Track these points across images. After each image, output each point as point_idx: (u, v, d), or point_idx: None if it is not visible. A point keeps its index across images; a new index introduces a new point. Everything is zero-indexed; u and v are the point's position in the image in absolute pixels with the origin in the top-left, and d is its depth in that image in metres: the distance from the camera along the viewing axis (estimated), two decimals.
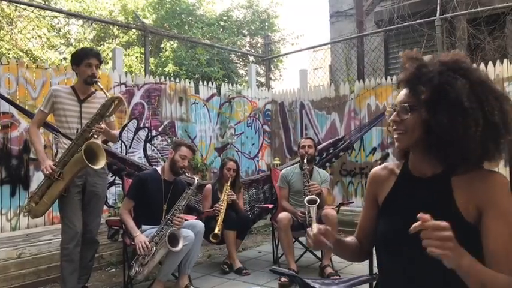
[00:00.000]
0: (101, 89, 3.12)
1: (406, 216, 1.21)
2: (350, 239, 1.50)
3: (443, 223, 1.01)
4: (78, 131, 3.03)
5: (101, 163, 3.00)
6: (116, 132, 3.41)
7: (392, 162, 1.47)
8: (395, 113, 1.28)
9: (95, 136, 3.04)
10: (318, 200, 3.71)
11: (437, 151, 1.23)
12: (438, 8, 5.73)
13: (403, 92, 1.29)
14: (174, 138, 5.49)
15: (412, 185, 1.32)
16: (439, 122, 1.17)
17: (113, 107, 3.03)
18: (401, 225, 1.22)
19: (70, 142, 3.01)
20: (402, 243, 1.24)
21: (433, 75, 1.20)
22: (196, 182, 3.49)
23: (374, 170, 1.50)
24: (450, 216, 1.15)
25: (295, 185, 4.20)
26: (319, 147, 5.65)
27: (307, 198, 3.81)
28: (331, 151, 5.23)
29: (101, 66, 3.38)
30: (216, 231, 3.79)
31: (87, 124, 3.00)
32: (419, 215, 1.02)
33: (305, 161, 4.05)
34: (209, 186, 4.35)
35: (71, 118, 3.14)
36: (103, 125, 3.08)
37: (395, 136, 1.29)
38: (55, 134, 3.62)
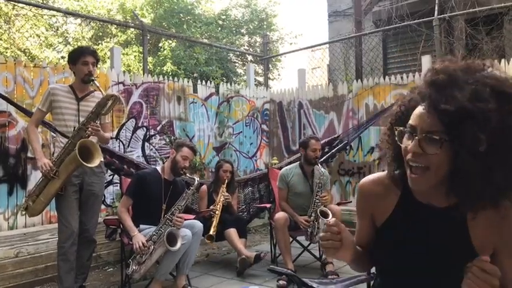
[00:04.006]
0: (98, 88, 3.11)
1: (419, 247, 1.18)
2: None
3: (498, 271, 1.01)
4: (75, 130, 3.03)
5: (96, 161, 2.99)
6: (109, 134, 3.38)
7: (381, 174, 1.30)
8: (415, 142, 1.03)
9: (92, 135, 3.03)
10: (331, 215, 3.69)
11: (460, 194, 1.07)
12: (436, 8, 5.73)
13: (432, 117, 1.01)
14: (175, 138, 5.48)
15: (420, 212, 1.19)
16: (487, 176, 1.00)
17: (108, 105, 3.02)
18: (414, 255, 1.18)
19: (67, 140, 3.01)
20: (415, 271, 1.19)
21: (491, 116, 0.97)
22: (196, 182, 3.49)
23: (365, 184, 1.31)
24: (464, 253, 1.11)
25: (295, 186, 4.10)
26: None
27: (320, 209, 3.78)
28: (326, 150, 5.22)
29: (98, 65, 3.37)
30: (210, 232, 3.81)
31: (82, 123, 3.00)
32: (483, 258, 1.01)
33: (321, 169, 4.01)
34: (205, 187, 4.36)
35: (69, 116, 3.14)
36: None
37: (413, 176, 1.06)
38: (53, 133, 3.61)
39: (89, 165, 2.94)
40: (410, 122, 1.06)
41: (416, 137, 1.03)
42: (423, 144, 1.02)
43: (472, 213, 1.10)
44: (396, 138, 1.11)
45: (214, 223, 3.88)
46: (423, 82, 1.09)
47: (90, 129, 2.97)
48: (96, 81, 3.14)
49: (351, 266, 1.38)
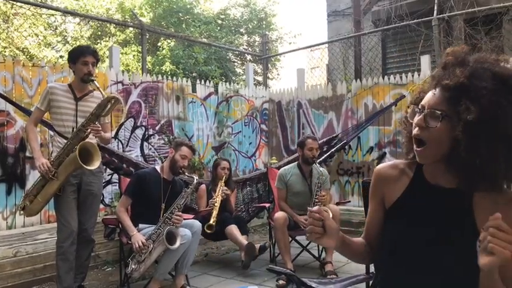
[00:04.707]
0: (97, 88, 3.10)
1: (423, 228, 1.19)
2: (357, 239, 1.39)
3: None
4: (74, 130, 3.01)
5: (96, 163, 2.98)
6: (109, 134, 3.37)
7: (398, 160, 1.36)
8: (421, 116, 1.14)
9: (91, 136, 3.02)
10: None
11: (458, 169, 1.12)
12: (435, 8, 5.74)
13: (438, 94, 1.13)
14: (175, 137, 5.48)
15: (429, 193, 1.22)
16: (474, 147, 1.06)
17: (109, 106, 3.00)
18: (420, 236, 1.19)
19: (65, 141, 3.00)
20: (419, 253, 1.18)
21: (485, 93, 1.06)
22: (195, 181, 3.49)
23: (381, 167, 1.36)
24: (468, 236, 1.11)
25: (293, 185, 4.11)
26: None
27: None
28: (325, 149, 5.22)
29: (97, 65, 3.36)
30: (211, 221, 3.82)
31: (82, 124, 2.98)
32: (495, 215, 0.95)
33: (319, 169, 4.00)
34: (204, 186, 4.37)
35: (67, 116, 3.12)
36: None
37: (418, 150, 1.16)
38: (51, 132, 3.60)
39: (89, 167, 2.93)
40: (421, 102, 1.17)
41: (423, 113, 1.14)
42: (427, 118, 1.13)
43: (476, 196, 1.14)
44: (408, 116, 1.21)
45: (214, 214, 3.90)
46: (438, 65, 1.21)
47: (90, 130, 2.96)
48: (95, 82, 3.13)
49: (346, 257, 1.38)
